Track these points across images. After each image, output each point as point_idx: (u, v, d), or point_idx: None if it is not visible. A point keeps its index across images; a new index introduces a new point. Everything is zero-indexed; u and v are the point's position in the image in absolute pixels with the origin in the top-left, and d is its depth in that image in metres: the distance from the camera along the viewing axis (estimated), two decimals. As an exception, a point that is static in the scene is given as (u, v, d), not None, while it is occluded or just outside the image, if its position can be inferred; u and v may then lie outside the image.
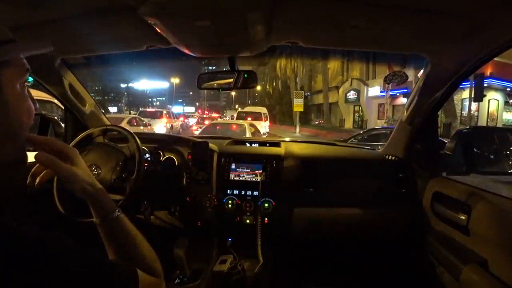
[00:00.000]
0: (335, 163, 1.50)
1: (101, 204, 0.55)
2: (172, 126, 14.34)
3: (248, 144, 1.62)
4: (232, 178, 1.43)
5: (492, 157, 1.36)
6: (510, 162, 1.35)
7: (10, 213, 0.42)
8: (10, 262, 0.34)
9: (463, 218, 1.01)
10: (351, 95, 19.62)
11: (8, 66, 0.41)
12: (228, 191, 1.42)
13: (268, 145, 1.60)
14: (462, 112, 12.63)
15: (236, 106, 34.99)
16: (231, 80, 1.18)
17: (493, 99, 12.46)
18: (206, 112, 40.46)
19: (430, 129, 1.33)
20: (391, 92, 13.62)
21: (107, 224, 0.54)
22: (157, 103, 51.01)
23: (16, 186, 1.10)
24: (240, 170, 1.44)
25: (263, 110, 13.94)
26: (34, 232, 0.38)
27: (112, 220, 0.54)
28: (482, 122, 11.90)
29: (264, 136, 9.59)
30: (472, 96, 9.30)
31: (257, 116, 12.55)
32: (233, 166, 1.45)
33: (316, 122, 24.40)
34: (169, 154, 1.42)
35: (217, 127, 8.11)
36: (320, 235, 1.46)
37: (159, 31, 0.88)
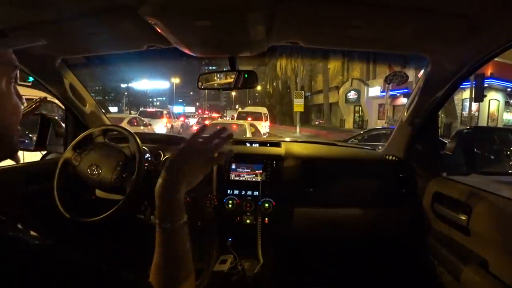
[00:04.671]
0: (336, 163, 1.50)
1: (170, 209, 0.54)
2: (172, 126, 14.38)
3: (248, 144, 1.62)
4: (232, 178, 1.43)
5: (492, 157, 1.36)
6: (511, 163, 1.35)
7: (10, 214, 0.41)
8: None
9: (463, 218, 1.01)
10: (352, 95, 19.63)
11: None
12: (228, 191, 1.41)
13: (268, 145, 1.60)
14: (463, 113, 12.63)
15: (237, 106, 34.98)
16: (232, 80, 1.18)
17: (494, 100, 12.45)
18: (206, 112, 40.56)
19: (431, 129, 1.33)
20: (391, 92, 13.63)
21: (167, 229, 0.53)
22: (158, 103, 50.98)
23: (14, 187, 1.10)
24: (240, 170, 1.44)
25: (264, 110, 13.96)
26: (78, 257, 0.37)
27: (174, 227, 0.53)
28: (483, 122, 11.90)
29: (265, 136, 9.58)
30: (473, 96, 9.31)
31: (258, 116, 12.56)
32: (233, 166, 1.45)
33: (317, 122, 24.40)
34: (169, 154, 1.42)
35: (217, 127, 8.10)
36: (320, 235, 1.46)
37: (159, 31, 0.88)
